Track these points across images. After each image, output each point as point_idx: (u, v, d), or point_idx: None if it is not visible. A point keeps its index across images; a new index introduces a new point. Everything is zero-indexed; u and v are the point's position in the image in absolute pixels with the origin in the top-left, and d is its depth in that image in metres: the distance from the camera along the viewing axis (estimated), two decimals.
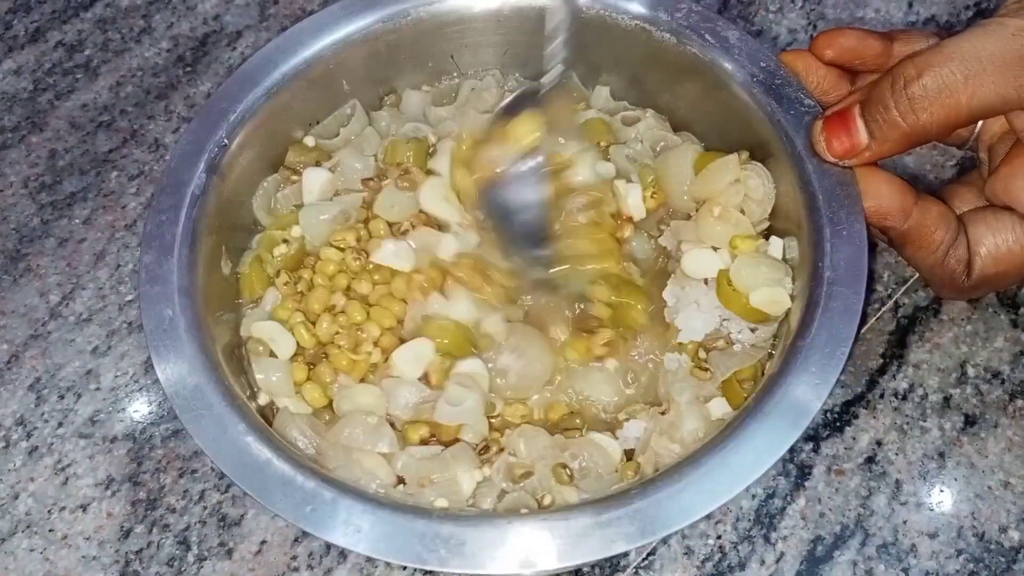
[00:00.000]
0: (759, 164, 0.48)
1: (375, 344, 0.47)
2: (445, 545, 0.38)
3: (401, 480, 0.44)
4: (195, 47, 0.68)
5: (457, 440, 0.45)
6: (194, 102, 0.66)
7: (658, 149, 0.53)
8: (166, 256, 0.45)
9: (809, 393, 0.40)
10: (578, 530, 0.38)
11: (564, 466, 0.44)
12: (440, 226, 0.50)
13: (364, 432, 0.44)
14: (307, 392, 0.46)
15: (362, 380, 0.47)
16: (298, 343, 0.47)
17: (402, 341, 0.47)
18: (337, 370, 0.47)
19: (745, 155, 0.49)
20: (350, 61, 0.52)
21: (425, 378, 0.46)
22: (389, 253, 0.48)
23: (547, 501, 0.43)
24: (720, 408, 0.45)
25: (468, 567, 0.37)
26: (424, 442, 0.45)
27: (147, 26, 0.70)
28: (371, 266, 0.49)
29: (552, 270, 0.49)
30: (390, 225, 0.50)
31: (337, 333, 0.47)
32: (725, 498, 0.38)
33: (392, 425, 0.45)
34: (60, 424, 0.54)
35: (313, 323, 0.48)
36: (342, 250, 0.49)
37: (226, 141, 0.48)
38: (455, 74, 0.56)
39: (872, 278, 0.56)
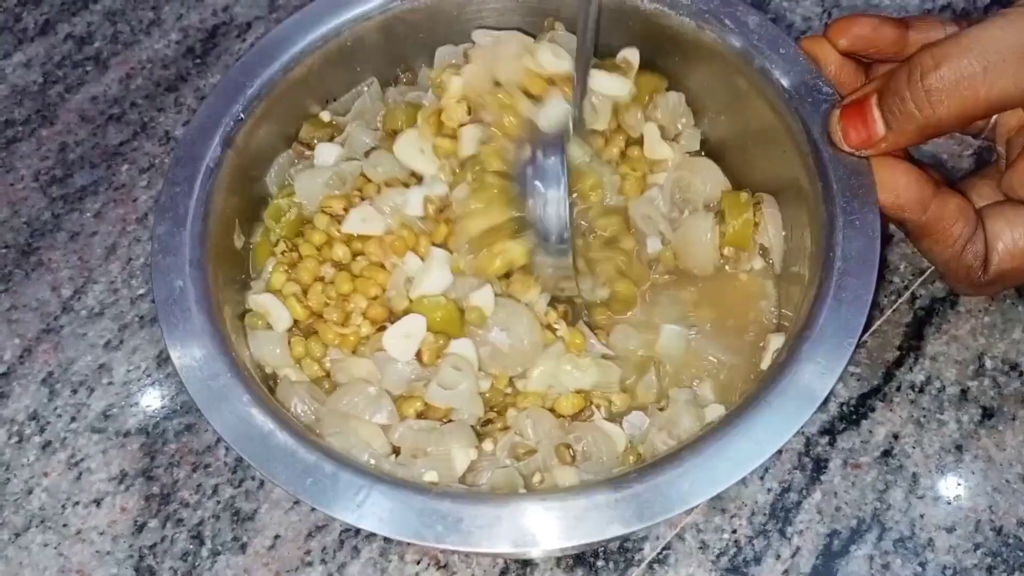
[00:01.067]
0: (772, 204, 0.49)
1: (363, 315, 0.47)
2: (442, 521, 0.38)
3: (396, 450, 0.44)
4: (205, 39, 0.68)
5: (451, 419, 0.45)
6: (204, 94, 0.65)
7: (676, 198, 0.51)
8: (179, 227, 0.45)
9: (815, 382, 0.40)
10: (575, 512, 0.38)
11: (568, 446, 0.44)
12: (418, 180, 0.50)
13: (364, 401, 0.44)
14: (305, 367, 0.46)
15: (354, 352, 0.47)
16: (292, 315, 0.47)
17: (389, 312, 0.47)
18: (327, 344, 0.47)
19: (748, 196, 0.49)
20: (368, 38, 0.52)
21: (418, 355, 0.46)
22: (356, 220, 0.48)
23: (537, 479, 0.43)
24: (715, 413, 0.45)
25: (464, 544, 0.38)
26: (420, 415, 0.45)
27: (156, 18, 0.69)
28: (346, 235, 0.49)
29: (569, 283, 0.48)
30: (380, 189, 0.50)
31: (327, 305, 0.47)
32: (724, 485, 0.38)
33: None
34: (73, 419, 0.54)
35: (306, 294, 0.48)
36: (332, 216, 0.49)
37: (242, 115, 0.48)
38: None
39: (889, 269, 0.56)
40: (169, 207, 0.45)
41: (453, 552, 0.49)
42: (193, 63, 0.67)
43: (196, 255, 0.44)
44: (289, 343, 0.46)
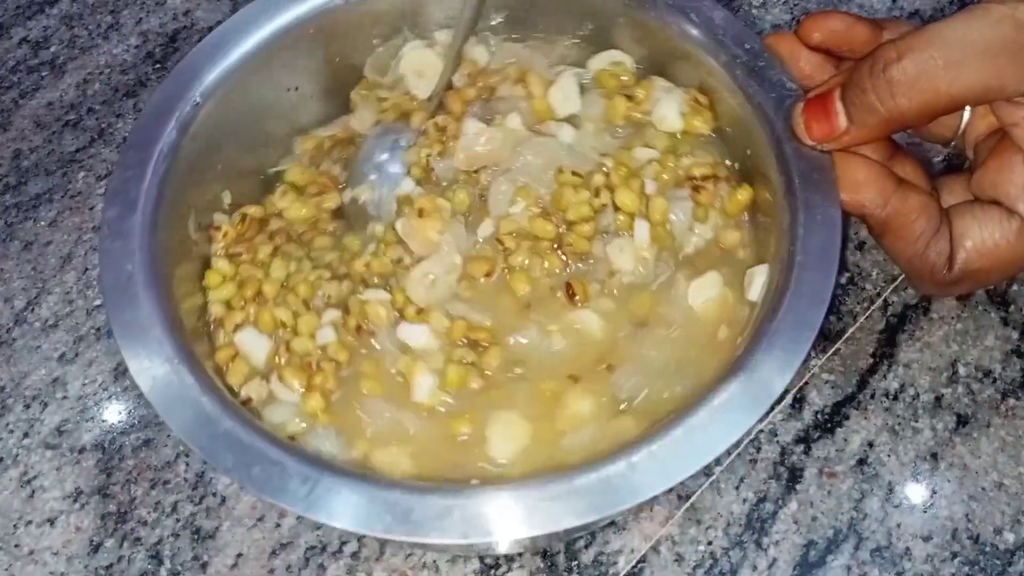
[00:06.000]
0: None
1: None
2: (391, 512, 0.37)
3: None
4: (165, 43, 0.67)
5: None
6: None
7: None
8: (129, 212, 0.43)
9: (773, 374, 0.39)
10: (528, 502, 0.37)
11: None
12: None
13: None
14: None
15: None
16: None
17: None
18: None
19: None
20: (333, 25, 0.51)
21: None
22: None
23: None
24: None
25: (413, 535, 0.37)
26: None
27: (115, 22, 0.68)
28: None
29: None
30: None
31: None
32: (680, 477, 0.37)
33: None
34: (26, 434, 0.52)
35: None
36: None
37: (198, 100, 0.47)
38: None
39: (861, 276, 0.55)
40: (120, 191, 0.44)
41: (423, 568, 0.48)
42: (153, 68, 0.65)
43: (146, 240, 0.43)
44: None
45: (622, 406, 0.44)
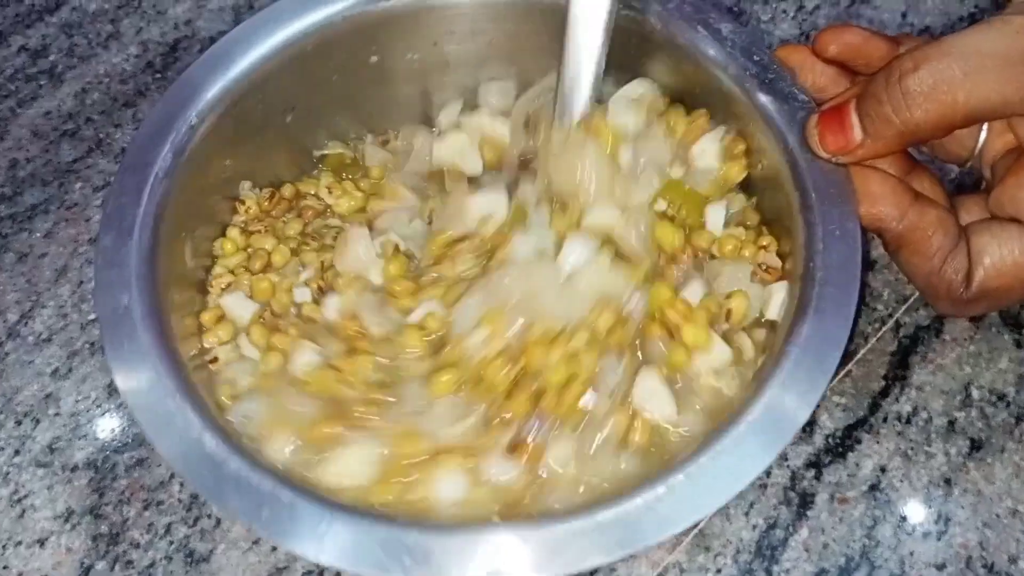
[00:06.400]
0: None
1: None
2: (409, 553, 0.35)
3: None
4: (165, 53, 0.66)
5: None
6: None
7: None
8: (125, 239, 0.42)
9: (797, 401, 0.38)
10: (552, 542, 0.36)
11: None
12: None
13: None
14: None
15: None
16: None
17: None
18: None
19: None
20: (331, 43, 0.49)
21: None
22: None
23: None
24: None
25: None
26: None
27: (115, 31, 0.67)
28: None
29: None
30: None
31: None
32: (705, 512, 0.36)
33: None
34: (17, 452, 0.51)
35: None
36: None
37: (194, 121, 0.45)
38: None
39: (872, 296, 0.54)
40: (115, 217, 0.43)
41: None
42: (153, 78, 0.64)
43: (143, 269, 0.42)
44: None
45: None
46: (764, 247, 0.47)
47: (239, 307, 0.47)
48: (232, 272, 0.48)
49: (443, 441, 0.42)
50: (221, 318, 0.47)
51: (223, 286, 0.48)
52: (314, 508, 0.36)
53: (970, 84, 0.39)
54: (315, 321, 0.46)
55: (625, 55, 0.49)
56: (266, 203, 0.51)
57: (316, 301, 0.47)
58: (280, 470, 0.40)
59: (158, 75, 0.64)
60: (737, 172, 0.48)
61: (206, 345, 0.46)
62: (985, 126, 0.46)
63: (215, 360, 0.46)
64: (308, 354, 0.45)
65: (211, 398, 0.43)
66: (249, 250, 0.49)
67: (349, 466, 0.42)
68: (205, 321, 0.47)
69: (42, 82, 0.64)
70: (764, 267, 0.46)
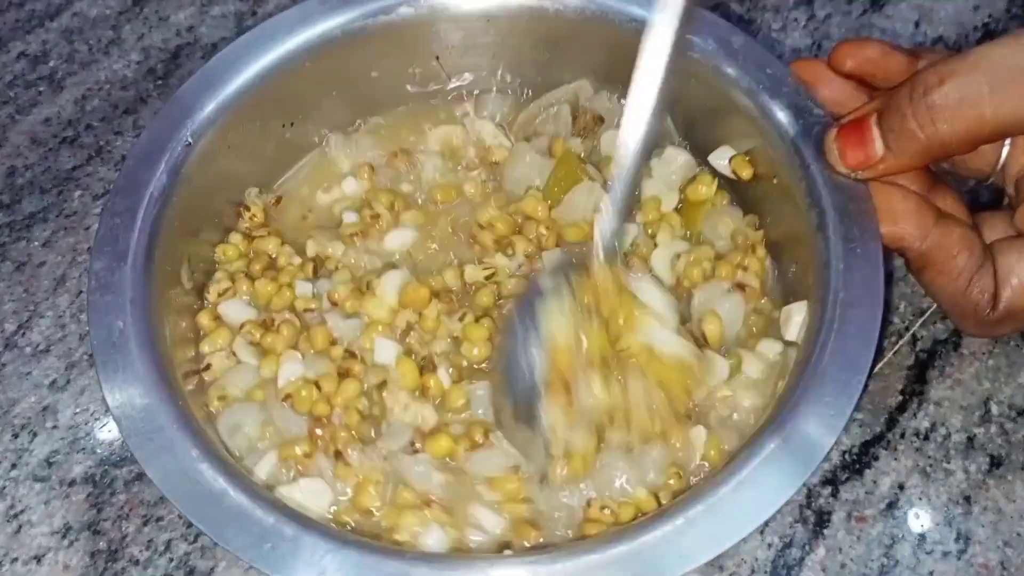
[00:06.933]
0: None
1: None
2: None
3: None
4: (167, 59, 0.65)
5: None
6: None
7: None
8: (119, 263, 0.41)
9: (822, 427, 0.37)
10: (567, 574, 0.34)
11: None
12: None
13: None
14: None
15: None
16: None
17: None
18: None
19: None
20: (326, 60, 0.49)
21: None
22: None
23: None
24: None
25: None
26: None
27: (116, 37, 0.66)
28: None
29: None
30: None
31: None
32: (728, 543, 0.35)
33: None
34: (13, 466, 0.49)
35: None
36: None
37: (190, 141, 0.44)
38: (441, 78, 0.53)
39: (888, 309, 0.53)
40: (108, 240, 0.41)
41: None
42: (154, 84, 0.63)
43: (138, 294, 0.40)
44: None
45: None
46: (744, 267, 0.46)
47: (236, 313, 0.47)
48: (232, 278, 0.48)
49: (421, 492, 0.42)
50: (218, 324, 0.47)
51: (220, 292, 0.47)
52: (318, 541, 0.35)
53: (998, 99, 0.38)
54: (313, 311, 0.46)
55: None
56: (272, 208, 0.50)
57: (315, 296, 0.47)
58: (279, 502, 0.38)
59: (159, 82, 0.63)
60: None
61: (202, 351, 0.46)
62: (1008, 141, 0.45)
63: (208, 367, 0.45)
64: (294, 365, 0.44)
65: (203, 412, 0.42)
66: (251, 254, 0.49)
67: (314, 496, 0.41)
68: (202, 326, 0.46)
69: (42, 88, 0.63)
70: (741, 286, 0.45)
